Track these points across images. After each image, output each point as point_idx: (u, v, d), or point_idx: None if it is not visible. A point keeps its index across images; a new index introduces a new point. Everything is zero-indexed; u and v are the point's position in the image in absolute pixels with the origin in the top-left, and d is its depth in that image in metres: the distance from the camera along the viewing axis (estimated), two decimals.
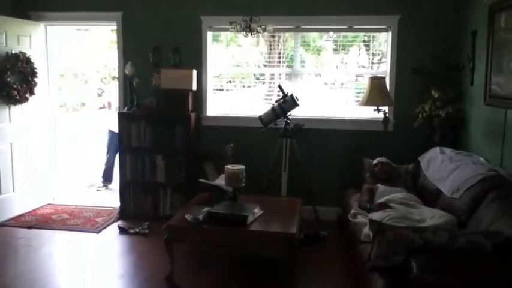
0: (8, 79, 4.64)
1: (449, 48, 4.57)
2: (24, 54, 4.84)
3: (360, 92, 4.89)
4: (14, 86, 4.70)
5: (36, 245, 4.21)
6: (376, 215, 3.24)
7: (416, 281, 2.21)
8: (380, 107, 4.48)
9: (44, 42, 5.23)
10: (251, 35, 4.55)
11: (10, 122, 4.81)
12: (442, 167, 3.75)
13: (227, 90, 5.31)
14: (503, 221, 2.57)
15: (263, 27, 4.53)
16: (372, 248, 2.61)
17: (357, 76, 5.14)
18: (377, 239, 2.55)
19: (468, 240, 2.37)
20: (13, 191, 4.88)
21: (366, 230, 3.10)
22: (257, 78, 5.35)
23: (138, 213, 4.92)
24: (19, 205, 4.95)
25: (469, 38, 4.23)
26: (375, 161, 4.26)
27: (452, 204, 3.26)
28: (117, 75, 5.35)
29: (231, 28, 4.56)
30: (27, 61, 4.86)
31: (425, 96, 4.50)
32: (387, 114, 4.59)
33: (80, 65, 5.90)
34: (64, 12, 5.19)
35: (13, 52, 4.74)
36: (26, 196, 5.04)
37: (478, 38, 4.08)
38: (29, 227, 4.50)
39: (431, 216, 3.14)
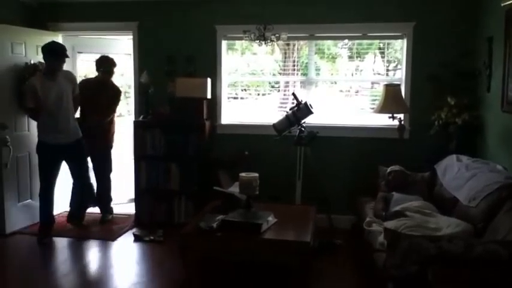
0: None
1: (465, 55, 4.52)
2: (42, 63, 4.91)
3: (375, 99, 4.87)
4: None
5: (53, 251, 4.26)
6: (391, 224, 3.20)
7: None
8: (395, 115, 4.45)
9: None
10: (265, 43, 4.58)
11: (28, 130, 4.89)
12: (458, 175, 3.70)
13: (241, 98, 5.33)
14: None
15: (277, 35, 4.55)
16: (387, 256, 2.58)
17: (372, 83, 5.12)
18: (392, 247, 2.53)
19: (485, 250, 2.34)
20: (31, 198, 4.95)
21: (381, 239, 3.07)
22: (272, 86, 5.36)
23: (153, 220, 4.95)
24: (37, 213, 5.00)
25: (485, 44, 4.19)
26: (388, 169, 4.22)
27: (468, 212, 3.21)
28: (132, 84, 5.42)
29: (245, 37, 4.59)
30: None
31: (441, 103, 4.45)
32: (402, 122, 4.55)
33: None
34: (81, 22, 5.29)
35: (32, 62, 4.83)
36: None
37: (495, 44, 4.03)
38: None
39: (447, 225, 3.10)
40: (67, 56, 4.42)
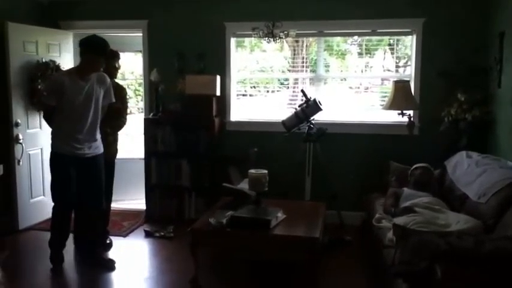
0: (39, 86, 4.78)
1: (476, 51, 4.50)
2: (54, 62, 4.98)
3: (385, 96, 4.85)
4: (44, 94, 4.84)
5: (66, 248, 4.31)
6: (400, 220, 3.20)
7: (440, 286, 2.18)
8: (405, 111, 4.43)
9: (72, 49, 5.38)
10: (274, 40, 4.59)
11: (41, 128, 4.96)
12: (468, 171, 3.69)
13: (251, 95, 5.35)
14: None
15: (286, 32, 4.55)
16: (396, 252, 2.59)
17: (382, 80, 5.10)
18: (401, 243, 2.53)
19: (495, 246, 2.33)
20: (43, 195, 5.01)
21: (390, 235, 3.07)
22: (281, 83, 5.37)
23: (163, 216, 4.99)
24: (49, 209, 5.06)
25: (496, 40, 4.16)
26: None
27: (478, 209, 3.20)
28: (142, 81, 5.46)
29: (254, 34, 4.61)
30: (57, 69, 4.99)
31: (451, 99, 4.43)
32: (412, 118, 4.54)
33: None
34: (92, 20, 5.34)
35: (43, 60, 4.89)
36: None
37: (506, 39, 4.00)
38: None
39: (456, 221, 3.09)
40: (110, 55, 3.86)
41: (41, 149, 4.96)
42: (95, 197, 3.79)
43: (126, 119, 4.24)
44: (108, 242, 4.26)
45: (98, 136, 3.79)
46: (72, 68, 3.75)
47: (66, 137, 3.62)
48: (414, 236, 2.50)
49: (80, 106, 3.58)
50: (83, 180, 3.72)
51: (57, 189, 3.73)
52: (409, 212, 3.38)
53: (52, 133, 3.72)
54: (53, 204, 3.82)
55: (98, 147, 3.79)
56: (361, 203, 4.63)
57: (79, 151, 3.65)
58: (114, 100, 3.84)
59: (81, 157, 3.66)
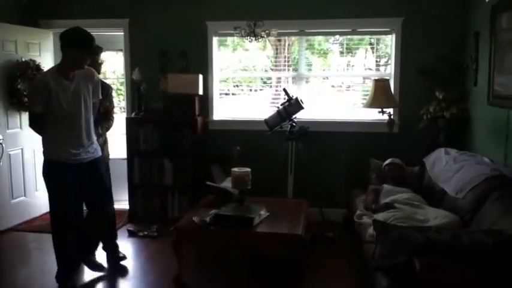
0: (19, 86, 4.74)
1: (453, 49, 4.60)
2: (34, 61, 4.93)
3: (366, 94, 4.92)
4: (25, 93, 4.79)
5: (47, 248, 4.26)
6: (380, 216, 3.27)
7: (419, 279, 2.24)
8: (385, 109, 4.51)
9: (52, 49, 5.33)
10: (256, 39, 4.62)
11: (21, 128, 4.90)
12: (446, 167, 3.78)
13: (233, 94, 5.37)
14: (506, 219, 2.60)
15: (267, 31, 4.59)
16: (376, 247, 2.64)
17: (364, 78, 5.17)
18: (381, 238, 2.59)
19: (471, 239, 2.40)
20: (24, 195, 4.97)
21: (371, 231, 3.13)
22: (264, 82, 5.41)
23: (147, 215, 4.99)
24: (30, 210, 5.04)
25: (472, 39, 4.26)
26: (387, 161, 4.25)
27: (456, 204, 3.28)
28: (124, 80, 5.44)
29: (236, 33, 4.63)
30: (37, 68, 4.95)
31: (429, 97, 4.53)
32: (392, 116, 4.61)
33: None
34: (72, 19, 5.26)
35: (23, 59, 4.84)
36: (37, 201, 5.13)
37: (481, 38, 4.11)
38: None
39: (435, 217, 3.17)
40: (95, 51, 3.44)
41: (22, 149, 4.91)
42: (100, 204, 3.52)
43: (114, 118, 4.02)
44: (121, 255, 3.95)
45: (94, 138, 3.46)
46: (53, 67, 3.35)
47: (59, 142, 3.27)
48: (394, 230, 2.55)
49: (69, 108, 3.23)
50: (85, 187, 3.41)
51: (55, 202, 3.36)
52: (389, 208, 3.45)
53: (43, 140, 3.34)
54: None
55: (96, 149, 3.46)
56: (343, 200, 4.69)
57: (76, 157, 3.29)
58: (101, 97, 3.55)
59: (78, 163, 3.31)
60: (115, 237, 3.98)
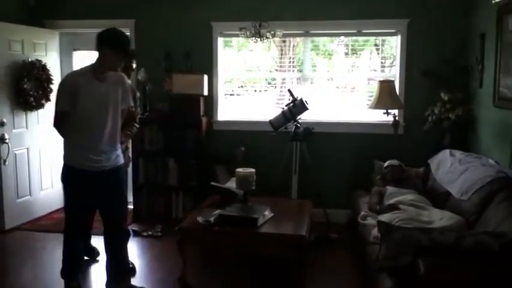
0: (25, 86, 4.76)
1: (458, 51, 4.59)
2: (40, 61, 4.96)
3: (371, 96, 4.91)
4: (31, 93, 4.82)
5: (52, 247, 4.30)
6: (385, 217, 3.27)
7: (423, 281, 2.24)
8: (390, 110, 4.51)
9: (58, 49, 5.36)
10: (261, 40, 4.62)
11: (27, 127, 4.93)
12: (451, 169, 3.77)
13: (238, 94, 5.38)
14: (510, 221, 2.59)
15: (272, 32, 4.60)
16: (380, 248, 2.64)
17: (369, 80, 5.16)
18: (385, 239, 2.58)
19: (475, 241, 2.40)
20: (30, 195, 4.99)
21: (375, 232, 3.12)
22: (268, 83, 5.41)
23: (151, 216, 5.00)
24: (35, 209, 5.06)
25: (477, 40, 4.25)
26: (386, 163, 4.29)
27: (461, 206, 3.27)
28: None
29: (241, 34, 4.64)
30: (43, 68, 4.98)
31: (434, 98, 4.52)
32: (397, 117, 4.61)
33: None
34: (78, 20, 5.32)
35: (29, 60, 4.87)
36: (42, 200, 5.16)
37: (487, 40, 4.10)
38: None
39: (440, 218, 3.16)
40: (130, 54, 3.31)
41: (27, 148, 4.93)
42: (117, 216, 3.32)
43: (138, 124, 3.77)
44: (131, 266, 3.71)
45: (118, 145, 3.26)
46: (87, 66, 3.12)
47: (81, 147, 3.08)
48: (398, 232, 2.55)
49: (96, 110, 3.06)
50: (102, 196, 3.21)
51: (70, 207, 3.26)
52: (393, 209, 3.45)
53: (65, 143, 3.17)
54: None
55: (118, 157, 3.26)
56: (347, 201, 4.69)
57: (97, 164, 3.11)
58: (132, 104, 3.38)
59: (99, 171, 3.12)
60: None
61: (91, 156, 3.08)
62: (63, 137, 3.16)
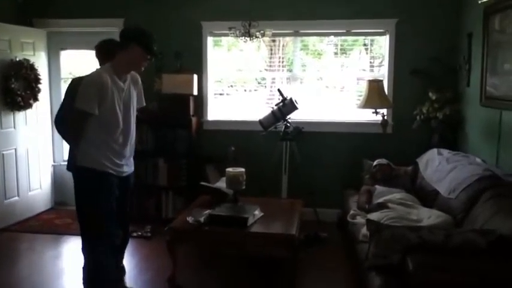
0: (13, 85, 4.72)
1: (446, 50, 4.63)
2: (28, 61, 4.92)
3: (361, 95, 4.94)
4: (18, 93, 4.78)
5: (40, 249, 4.27)
6: (374, 215, 3.29)
7: (412, 278, 2.26)
8: (378, 110, 4.54)
9: (46, 48, 5.31)
10: (250, 40, 4.63)
11: (14, 128, 4.88)
12: (439, 168, 3.80)
13: (228, 94, 5.38)
14: (497, 219, 2.62)
15: (262, 32, 4.60)
16: (370, 247, 2.66)
17: (358, 79, 5.19)
18: (374, 238, 2.60)
19: (463, 238, 2.42)
20: (18, 196, 4.94)
21: (364, 231, 3.14)
22: (258, 83, 5.41)
23: (141, 216, 4.96)
24: (23, 210, 5.01)
25: (465, 40, 4.30)
26: (375, 162, 4.32)
27: (449, 204, 3.31)
28: None
29: (231, 33, 4.64)
30: (31, 68, 4.94)
31: (423, 98, 4.56)
32: (386, 117, 4.64)
33: (84, 71, 6.00)
34: (66, 19, 5.28)
35: (17, 59, 4.82)
36: (31, 201, 5.11)
37: (474, 40, 4.14)
38: None
39: (428, 216, 3.19)
40: (156, 53, 3.00)
41: (15, 149, 4.89)
42: (126, 222, 3.21)
43: None
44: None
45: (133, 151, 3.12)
46: (106, 65, 2.90)
47: (105, 150, 2.86)
48: (387, 230, 2.57)
49: (122, 112, 2.89)
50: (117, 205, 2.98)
51: (101, 221, 2.87)
52: (382, 208, 3.48)
53: (85, 145, 2.85)
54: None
55: (132, 163, 3.12)
56: (337, 200, 4.71)
57: (119, 168, 2.94)
58: (144, 104, 3.23)
59: (119, 176, 2.95)
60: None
61: (114, 160, 2.89)
62: (75, 138, 2.89)
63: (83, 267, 3.12)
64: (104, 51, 3.16)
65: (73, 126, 2.90)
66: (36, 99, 5.01)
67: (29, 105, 4.94)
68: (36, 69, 5.00)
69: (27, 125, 5.04)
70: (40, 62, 5.13)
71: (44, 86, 5.14)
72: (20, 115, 4.94)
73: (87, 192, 2.90)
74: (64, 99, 3.35)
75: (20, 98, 4.79)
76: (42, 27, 5.28)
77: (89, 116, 2.77)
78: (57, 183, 5.53)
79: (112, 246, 2.96)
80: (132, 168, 3.12)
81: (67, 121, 3.06)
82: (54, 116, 5.42)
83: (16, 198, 4.93)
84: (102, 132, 2.84)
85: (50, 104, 5.40)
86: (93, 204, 2.88)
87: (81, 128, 2.82)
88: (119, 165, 2.93)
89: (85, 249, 3.01)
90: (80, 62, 5.85)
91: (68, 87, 3.30)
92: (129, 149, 3.02)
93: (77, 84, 2.93)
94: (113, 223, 2.92)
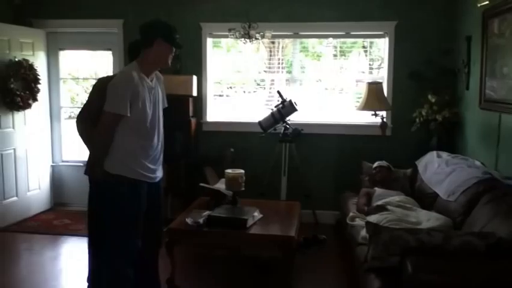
0: (12, 86, 4.72)
1: (445, 53, 4.64)
2: (27, 61, 4.92)
3: (360, 97, 4.95)
4: (17, 93, 4.77)
5: (39, 249, 4.27)
6: (373, 218, 3.29)
7: (411, 281, 2.26)
8: (377, 112, 4.54)
9: (46, 48, 5.31)
10: (250, 41, 4.63)
11: (13, 128, 4.88)
12: (438, 170, 3.81)
13: (227, 96, 5.38)
14: (496, 222, 2.63)
15: (261, 33, 4.60)
16: (369, 249, 2.66)
17: (357, 81, 5.20)
18: (373, 240, 2.60)
19: (462, 241, 2.42)
20: (16, 196, 4.94)
21: (363, 233, 3.14)
22: (258, 84, 5.42)
23: None
24: (22, 210, 5.01)
25: (464, 43, 4.30)
26: (375, 164, 4.31)
27: (448, 207, 3.31)
28: None
29: (230, 35, 4.64)
30: (30, 68, 4.94)
31: (422, 100, 4.56)
32: (385, 119, 4.65)
33: (83, 72, 5.98)
34: (65, 19, 5.28)
35: (16, 59, 4.81)
36: (29, 201, 5.10)
37: (473, 43, 4.15)
38: None
39: (427, 219, 3.19)
40: (180, 46, 2.84)
41: (14, 149, 4.88)
42: (160, 231, 3.03)
43: None
44: None
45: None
46: (132, 63, 2.73)
47: (139, 155, 2.68)
48: (386, 232, 2.57)
49: (151, 113, 2.72)
50: (148, 214, 2.78)
51: (124, 232, 2.67)
52: (381, 210, 3.47)
53: (115, 150, 2.62)
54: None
55: (161, 167, 2.92)
56: (335, 202, 4.72)
57: (153, 174, 2.76)
58: (167, 105, 3.07)
59: (152, 182, 2.78)
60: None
61: (149, 165, 2.71)
62: (104, 145, 2.62)
63: (88, 279, 3.04)
64: (136, 54, 2.80)
65: (104, 131, 2.62)
66: (35, 99, 5.01)
67: (28, 106, 4.93)
68: (35, 69, 5.00)
69: (26, 125, 5.03)
70: (39, 62, 5.13)
71: (43, 86, 5.14)
72: (19, 115, 4.93)
73: (114, 200, 2.65)
74: (89, 98, 3.06)
75: (19, 98, 4.79)
76: (41, 28, 5.27)
77: (121, 118, 2.57)
78: (56, 183, 5.52)
79: (132, 258, 2.72)
80: (162, 173, 2.91)
81: (88, 121, 2.82)
82: (53, 116, 5.48)
83: (15, 198, 4.92)
84: (134, 135, 2.64)
85: (49, 104, 5.40)
86: (119, 213, 2.65)
87: (112, 132, 2.61)
88: (152, 171, 2.74)
89: (99, 260, 2.84)
90: (79, 63, 5.86)
91: (95, 86, 3.04)
92: (160, 152, 2.86)
93: (104, 83, 2.73)
94: (135, 234, 2.70)
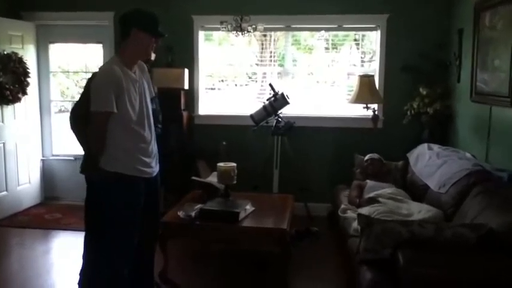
0: (1, 79, 4.66)
1: (437, 46, 4.65)
2: (16, 54, 4.86)
3: (351, 90, 4.95)
4: (7, 86, 4.72)
5: (30, 244, 4.24)
6: (364, 210, 3.30)
7: (403, 272, 2.28)
8: (369, 105, 4.55)
9: (35, 41, 5.25)
10: (242, 34, 4.61)
11: (3, 122, 4.83)
12: (429, 162, 3.83)
13: (219, 89, 5.36)
14: (486, 213, 2.65)
15: (254, 26, 4.59)
16: (361, 241, 2.67)
17: (348, 74, 5.20)
18: (365, 232, 2.61)
19: (453, 233, 2.44)
20: (6, 190, 4.89)
21: (355, 225, 3.16)
22: (249, 77, 5.40)
23: None
24: (12, 205, 4.97)
25: (455, 36, 4.32)
26: (366, 157, 4.33)
27: (439, 198, 3.33)
28: None
29: (222, 28, 4.62)
30: (20, 61, 4.88)
31: (413, 93, 4.58)
32: (376, 112, 4.66)
33: (73, 65, 5.93)
34: (56, 12, 5.21)
35: (5, 52, 4.75)
36: (19, 196, 5.06)
37: (465, 36, 4.17)
38: None
39: (418, 211, 3.22)
40: (162, 36, 2.75)
41: (3, 143, 4.84)
42: (157, 228, 2.99)
43: (161, 126, 3.35)
44: None
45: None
46: (113, 57, 2.67)
47: (133, 151, 2.59)
48: (378, 224, 2.58)
49: (138, 106, 2.59)
50: (145, 207, 2.70)
51: (122, 234, 2.61)
52: (373, 203, 3.50)
53: (109, 148, 2.53)
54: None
55: (157, 160, 2.83)
56: (328, 195, 4.73)
57: (149, 168, 2.68)
58: (154, 94, 2.95)
59: (149, 177, 2.70)
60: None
61: (144, 159, 2.63)
62: (101, 144, 2.52)
63: (81, 272, 3.01)
64: None
65: (96, 131, 2.51)
66: (24, 93, 4.95)
67: (18, 99, 4.88)
68: (24, 63, 4.94)
69: (16, 119, 4.98)
70: (29, 56, 5.07)
71: (32, 79, 5.08)
72: (9, 109, 4.88)
73: (112, 200, 2.57)
74: (81, 96, 2.94)
75: (8, 92, 4.73)
76: (30, 20, 5.21)
77: (110, 115, 2.47)
78: (46, 177, 5.48)
79: (132, 257, 2.65)
80: (158, 167, 2.83)
81: (83, 119, 2.66)
82: (43, 109, 5.43)
83: (5, 192, 4.88)
84: (124, 130, 2.54)
85: (38, 98, 5.35)
86: (118, 213, 2.58)
87: (104, 131, 2.50)
88: (147, 164, 2.65)
89: (95, 256, 2.77)
90: (70, 56, 5.80)
91: (87, 82, 2.90)
92: (155, 144, 2.76)
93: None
94: (134, 233, 2.63)
